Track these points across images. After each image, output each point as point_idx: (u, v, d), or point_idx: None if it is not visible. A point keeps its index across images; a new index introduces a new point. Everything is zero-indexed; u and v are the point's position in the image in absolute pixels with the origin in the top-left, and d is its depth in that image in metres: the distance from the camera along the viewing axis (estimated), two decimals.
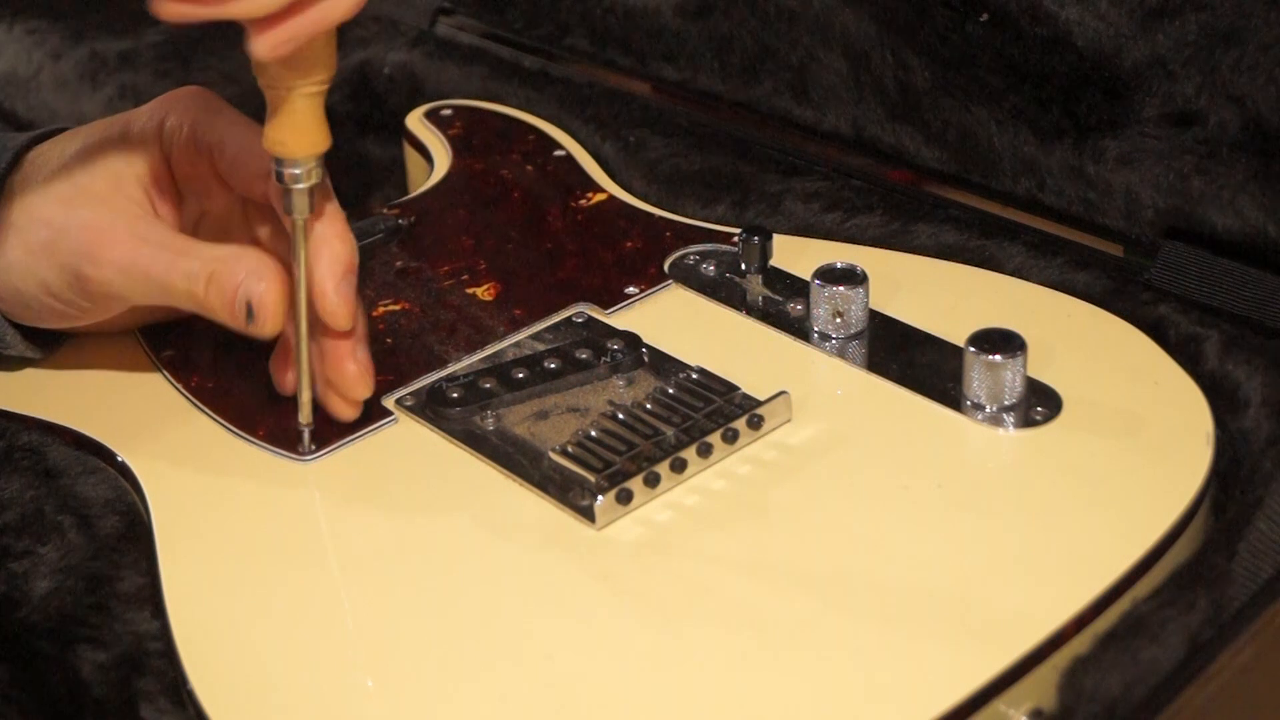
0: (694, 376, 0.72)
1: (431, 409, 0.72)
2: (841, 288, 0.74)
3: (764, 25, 0.94)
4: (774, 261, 0.79)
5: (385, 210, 0.87)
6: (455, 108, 0.97)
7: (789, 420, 0.70)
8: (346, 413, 0.71)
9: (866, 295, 0.75)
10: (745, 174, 0.90)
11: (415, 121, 0.95)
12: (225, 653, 0.62)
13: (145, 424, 0.74)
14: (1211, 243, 0.79)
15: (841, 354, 0.75)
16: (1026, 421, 0.69)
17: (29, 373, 0.77)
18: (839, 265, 0.75)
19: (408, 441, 0.71)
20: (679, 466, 0.67)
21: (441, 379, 0.74)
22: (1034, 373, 0.71)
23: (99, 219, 0.70)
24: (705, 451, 0.68)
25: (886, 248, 0.83)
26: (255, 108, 1.03)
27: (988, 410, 0.70)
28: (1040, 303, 0.77)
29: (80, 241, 0.69)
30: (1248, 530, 0.65)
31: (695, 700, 0.58)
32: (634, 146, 0.93)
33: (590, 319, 0.78)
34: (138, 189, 0.72)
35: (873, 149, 0.91)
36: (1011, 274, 0.80)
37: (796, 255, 0.80)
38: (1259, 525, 0.65)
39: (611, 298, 0.79)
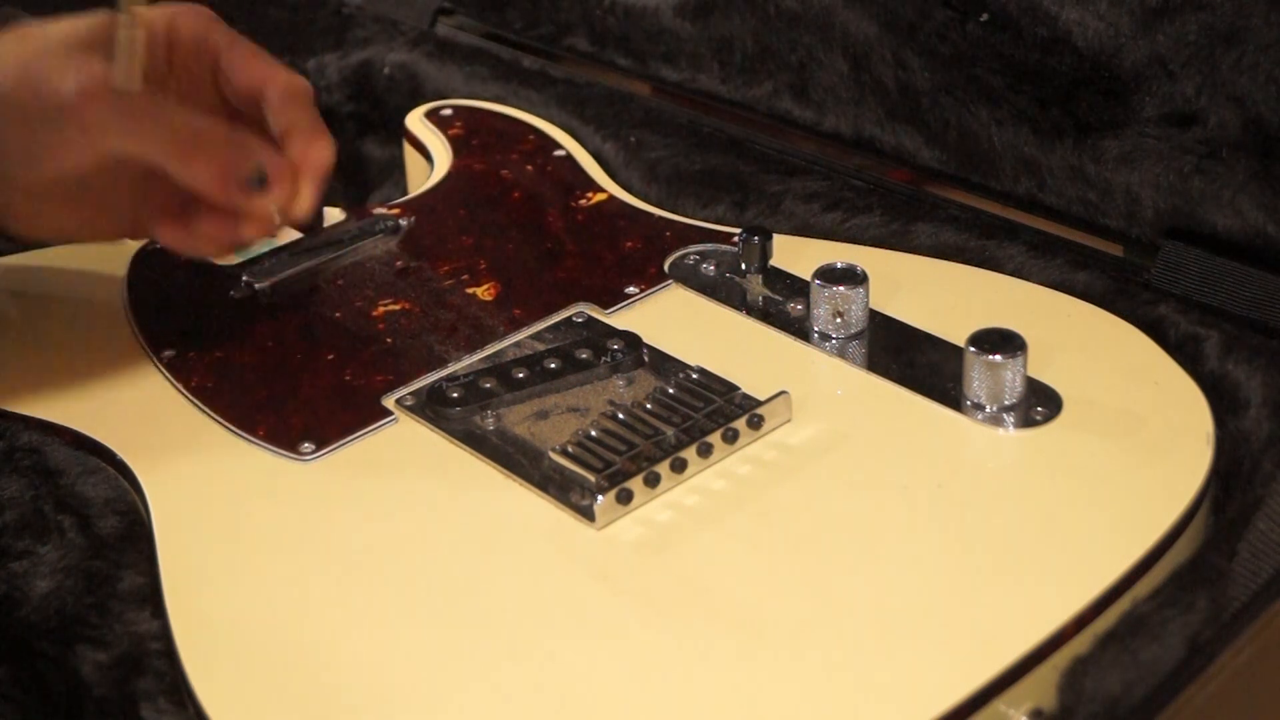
0: (694, 376, 0.72)
1: (431, 409, 0.72)
2: (841, 288, 0.74)
3: (764, 25, 0.94)
4: (774, 261, 0.79)
5: (385, 210, 0.87)
6: (455, 108, 0.97)
7: (789, 420, 0.70)
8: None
9: (866, 295, 0.75)
10: (745, 174, 0.90)
11: (415, 121, 0.95)
12: (225, 653, 0.62)
13: (145, 424, 0.74)
14: (1211, 243, 0.79)
15: (841, 354, 0.75)
16: (1026, 421, 0.69)
17: (29, 373, 0.77)
18: (839, 265, 0.75)
19: (408, 441, 0.71)
20: (679, 466, 0.67)
21: (442, 379, 0.74)
22: (1034, 373, 0.71)
23: (95, 64, 0.70)
24: (705, 451, 0.68)
25: (886, 248, 0.83)
26: None
27: (988, 410, 0.70)
28: (1040, 303, 0.77)
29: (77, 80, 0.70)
30: (1248, 530, 0.65)
31: (695, 700, 0.58)
32: (634, 146, 0.93)
33: (590, 319, 0.78)
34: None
35: (873, 149, 0.91)
36: (1011, 274, 0.80)
37: (796, 255, 0.80)
38: (1259, 525, 0.65)
39: (612, 298, 0.79)
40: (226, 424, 0.72)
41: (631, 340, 0.75)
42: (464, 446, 0.70)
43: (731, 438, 0.69)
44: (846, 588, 0.62)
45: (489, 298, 0.80)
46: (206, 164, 0.71)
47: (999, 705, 0.59)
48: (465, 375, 0.74)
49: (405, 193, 0.96)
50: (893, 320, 0.76)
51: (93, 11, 0.73)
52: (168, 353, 0.77)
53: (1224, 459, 0.69)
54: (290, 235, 0.88)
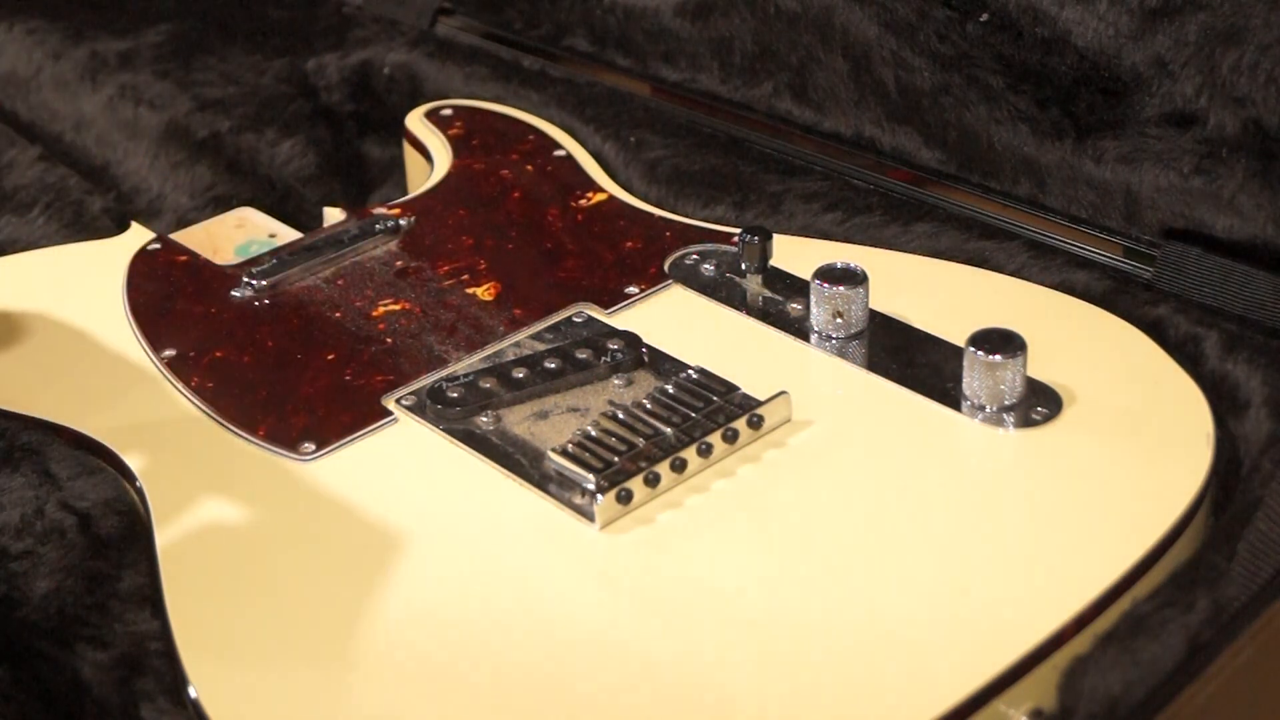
0: (694, 376, 0.72)
1: (431, 409, 0.72)
2: (841, 288, 0.74)
3: (764, 25, 0.94)
4: (774, 261, 0.79)
5: (385, 210, 0.87)
6: (455, 107, 0.97)
7: (789, 420, 0.70)
8: None
9: (866, 295, 0.75)
10: (745, 174, 0.90)
11: (415, 121, 0.95)
12: (225, 653, 0.62)
13: (145, 424, 0.74)
14: (1211, 243, 0.79)
15: (841, 354, 0.75)
16: (1026, 421, 0.69)
17: (29, 373, 0.77)
18: (839, 265, 0.75)
19: (408, 441, 0.71)
20: (679, 466, 0.67)
21: (442, 379, 0.74)
22: (1034, 373, 0.71)
23: None
24: (705, 451, 0.68)
25: (886, 248, 0.83)
26: (254, 107, 1.04)
27: (988, 410, 0.70)
28: (1040, 303, 0.77)
29: None
30: (1248, 530, 0.64)
31: (695, 700, 0.58)
32: (634, 146, 0.93)
33: (590, 319, 0.78)
34: None
35: (873, 149, 0.91)
36: (1011, 274, 0.80)
37: (796, 255, 0.80)
38: (1259, 525, 0.65)
39: (612, 298, 0.79)
40: (226, 424, 0.72)
41: (631, 340, 0.75)
42: (464, 446, 0.70)
43: (731, 438, 0.69)
44: (846, 588, 0.62)
45: (489, 298, 0.80)
46: None
47: (999, 705, 0.59)
48: (465, 375, 0.74)
49: (405, 193, 0.96)
50: (893, 320, 0.76)
51: None
52: (168, 353, 0.77)
53: (1224, 459, 0.69)
54: (290, 235, 0.89)
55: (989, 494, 0.66)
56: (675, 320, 0.77)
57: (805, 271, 0.77)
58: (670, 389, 0.71)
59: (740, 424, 0.69)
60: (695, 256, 0.81)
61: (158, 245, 0.85)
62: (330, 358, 0.76)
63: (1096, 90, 0.83)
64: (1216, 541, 0.64)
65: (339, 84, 1.06)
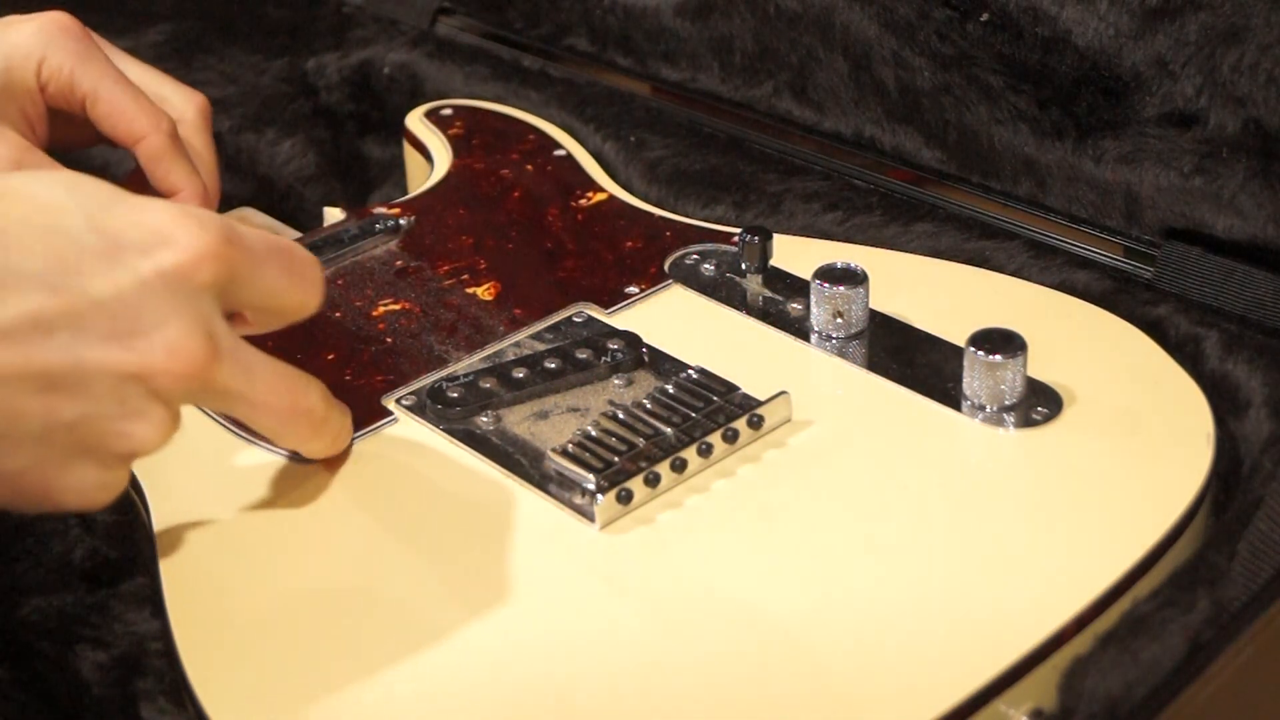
0: (694, 376, 0.72)
1: (432, 409, 0.72)
2: (842, 288, 0.74)
3: (764, 25, 0.94)
4: (774, 261, 0.79)
5: (385, 209, 0.87)
6: (455, 107, 0.97)
7: (789, 420, 0.70)
8: None
9: (867, 295, 0.75)
10: (745, 174, 0.90)
11: (415, 121, 0.95)
12: (225, 653, 0.62)
13: None
14: (1211, 243, 0.79)
15: (842, 354, 0.75)
16: (1027, 421, 0.69)
17: None
18: (839, 265, 0.75)
19: (408, 441, 0.71)
20: (679, 466, 0.67)
21: (442, 379, 0.74)
22: (1034, 373, 0.71)
23: None
24: (705, 451, 0.68)
25: (886, 248, 0.83)
26: (254, 107, 1.04)
27: (988, 410, 0.70)
28: (1040, 303, 0.77)
29: None
30: (1248, 530, 0.64)
31: (695, 700, 0.58)
32: (634, 146, 0.93)
33: (590, 319, 0.78)
34: (20, 120, 0.72)
35: (873, 149, 0.91)
36: (1012, 274, 0.80)
37: (796, 255, 0.80)
38: (1259, 525, 0.65)
39: (612, 297, 0.79)
40: (226, 424, 0.72)
41: (631, 340, 0.75)
42: (464, 447, 0.70)
43: (731, 437, 0.69)
44: (846, 587, 0.62)
45: (489, 297, 0.80)
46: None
47: (999, 705, 0.59)
48: (465, 375, 0.74)
49: (405, 193, 0.96)
50: (893, 320, 0.76)
51: None
52: None
53: (1224, 459, 0.69)
54: (290, 235, 0.89)
55: (989, 494, 0.66)
56: (675, 320, 0.77)
57: (805, 271, 0.77)
58: (670, 389, 0.71)
59: (740, 424, 0.69)
60: (695, 256, 0.81)
61: None
62: (330, 357, 0.76)
63: (1097, 90, 0.83)
64: (1217, 541, 0.64)
65: (339, 84, 1.06)
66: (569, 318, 0.78)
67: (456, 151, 0.92)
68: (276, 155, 1.00)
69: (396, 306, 0.80)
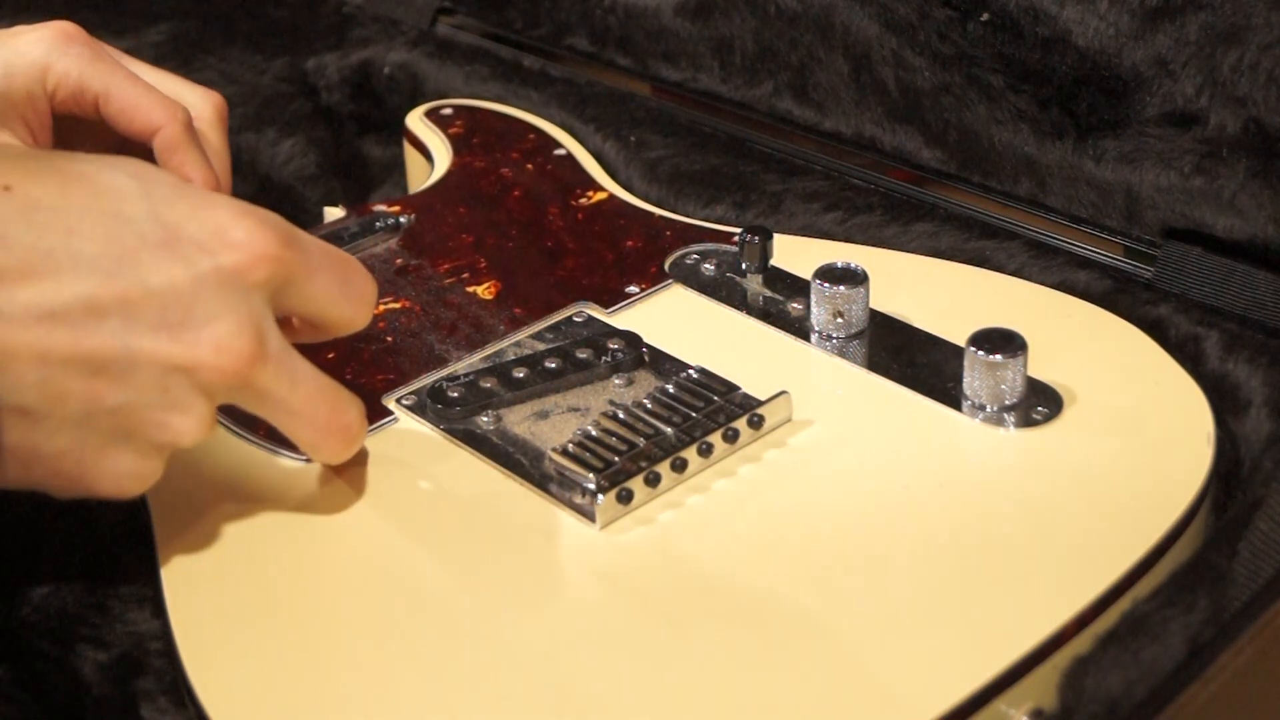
0: (694, 376, 0.72)
1: (432, 408, 0.72)
2: (842, 288, 0.74)
3: (764, 25, 0.94)
4: (774, 261, 0.79)
5: (385, 207, 0.87)
6: (455, 107, 0.97)
7: (789, 420, 0.70)
8: None
9: (867, 295, 0.75)
10: (745, 174, 0.90)
11: (415, 121, 0.95)
12: (225, 653, 0.62)
13: None
14: (1211, 243, 0.79)
15: (842, 354, 0.75)
16: (1027, 421, 0.69)
17: None
18: (839, 265, 0.75)
19: (408, 441, 0.71)
20: (679, 466, 0.67)
21: (442, 378, 0.74)
22: (1034, 373, 0.71)
23: None
24: (706, 451, 0.68)
25: (887, 247, 0.83)
26: (254, 107, 1.04)
27: (988, 410, 0.70)
28: (1040, 303, 0.77)
29: None
30: (1248, 530, 0.64)
31: (696, 700, 0.58)
32: (634, 146, 0.93)
33: (591, 318, 0.78)
34: (22, 127, 0.72)
35: (873, 149, 0.91)
36: (1012, 274, 0.80)
37: (797, 255, 0.80)
38: (1259, 525, 0.65)
39: (612, 297, 0.79)
40: (227, 423, 0.72)
41: (632, 340, 0.75)
42: (464, 446, 0.70)
43: (732, 437, 0.69)
44: (847, 587, 0.62)
45: (489, 296, 0.80)
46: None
47: (999, 705, 0.59)
48: (465, 375, 0.74)
49: (406, 193, 0.96)
50: (893, 320, 0.76)
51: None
52: None
53: (1224, 459, 0.69)
54: None
55: (989, 494, 0.66)
56: (676, 320, 0.77)
57: (806, 271, 0.77)
58: (671, 389, 0.71)
59: (741, 424, 0.69)
60: (696, 256, 0.81)
61: None
62: (330, 356, 0.76)
63: (1097, 90, 0.83)
64: (1217, 541, 0.64)
65: (339, 84, 1.06)
66: (569, 317, 0.78)
67: (457, 150, 0.92)
68: (276, 155, 1.00)
69: (397, 305, 0.80)
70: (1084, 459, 0.67)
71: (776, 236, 0.79)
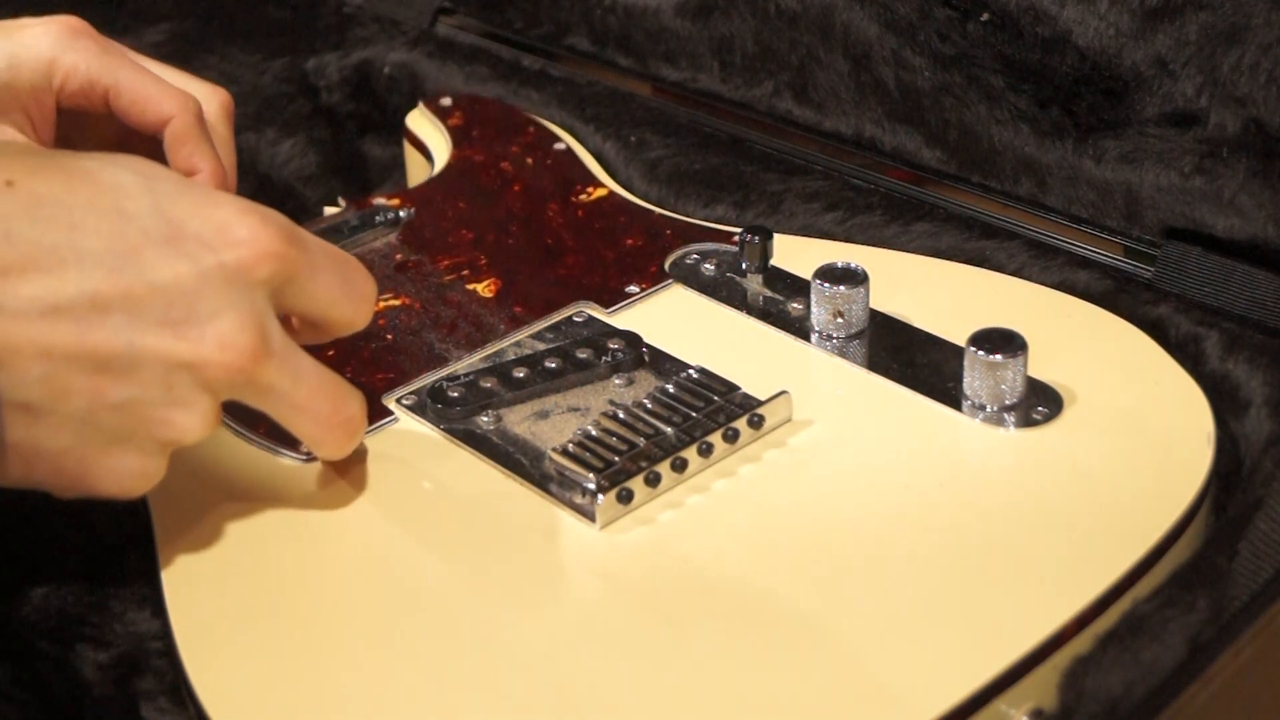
0: (694, 376, 0.72)
1: (432, 408, 0.72)
2: (842, 288, 0.74)
3: (764, 25, 0.94)
4: (774, 261, 0.79)
5: (385, 200, 0.87)
6: (454, 97, 0.97)
7: (789, 420, 0.70)
8: None
9: (867, 295, 0.75)
10: (745, 174, 0.90)
11: (415, 119, 0.95)
12: (225, 653, 0.62)
13: None
14: (1211, 243, 0.79)
15: (842, 354, 0.75)
16: (1027, 421, 0.69)
17: None
18: (839, 265, 0.75)
19: (408, 441, 0.71)
20: (680, 466, 0.67)
21: (442, 378, 0.74)
22: (1035, 372, 0.71)
23: None
24: (706, 451, 0.68)
25: (887, 247, 0.83)
26: (255, 107, 1.04)
27: (988, 410, 0.70)
28: (1040, 303, 0.77)
29: None
30: (1248, 530, 0.64)
31: (696, 700, 0.58)
32: (635, 146, 0.93)
33: (591, 318, 0.78)
34: (24, 120, 0.72)
35: (873, 149, 0.91)
36: (1012, 274, 0.80)
37: (797, 255, 0.80)
38: (1259, 525, 0.65)
39: (612, 297, 0.79)
40: (227, 423, 0.72)
41: (632, 340, 0.75)
42: (464, 446, 0.70)
43: (732, 437, 0.69)
44: (847, 587, 0.62)
45: (489, 294, 0.80)
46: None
47: (999, 705, 0.59)
48: (466, 375, 0.74)
49: None
50: (893, 320, 0.76)
51: None
52: None
53: (1224, 459, 0.69)
54: None
55: (989, 494, 0.66)
56: (676, 320, 0.77)
57: (806, 271, 0.77)
58: (671, 389, 0.71)
59: (741, 424, 0.69)
60: (696, 256, 0.81)
61: None
62: (331, 354, 0.76)
63: (1097, 90, 0.83)
64: (1217, 541, 0.64)
65: (339, 84, 1.06)
66: (569, 317, 0.78)
67: (456, 143, 0.92)
68: (276, 155, 1.00)
69: (397, 302, 0.80)
70: (1084, 459, 0.67)
71: (776, 236, 0.79)
